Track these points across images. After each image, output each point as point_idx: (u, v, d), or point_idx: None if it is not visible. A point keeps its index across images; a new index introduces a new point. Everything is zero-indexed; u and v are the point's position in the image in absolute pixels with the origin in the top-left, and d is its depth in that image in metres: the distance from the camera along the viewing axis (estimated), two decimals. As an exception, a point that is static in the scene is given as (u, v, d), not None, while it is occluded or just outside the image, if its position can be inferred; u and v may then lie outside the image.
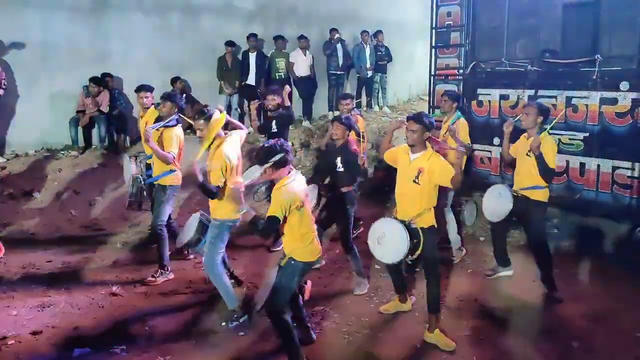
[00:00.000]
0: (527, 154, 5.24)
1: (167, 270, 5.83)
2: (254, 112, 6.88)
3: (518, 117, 5.53)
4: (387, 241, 4.51)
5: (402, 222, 4.44)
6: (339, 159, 5.53)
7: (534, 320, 5.05)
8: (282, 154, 3.92)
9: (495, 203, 5.55)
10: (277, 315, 4.00)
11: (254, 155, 4.02)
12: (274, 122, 6.66)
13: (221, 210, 4.82)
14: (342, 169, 5.53)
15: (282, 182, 3.97)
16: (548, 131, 5.23)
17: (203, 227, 4.96)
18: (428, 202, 4.46)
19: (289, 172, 4.01)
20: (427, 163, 4.37)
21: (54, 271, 6.03)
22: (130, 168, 6.06)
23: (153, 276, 5.74)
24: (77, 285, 5.68)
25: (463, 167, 4.70)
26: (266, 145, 4.02)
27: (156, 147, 5.52)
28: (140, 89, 6.25)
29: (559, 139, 6.47)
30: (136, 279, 5.83)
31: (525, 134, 5.40)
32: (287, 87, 7.30)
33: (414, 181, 4.39)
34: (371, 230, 4.65)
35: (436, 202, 4.55)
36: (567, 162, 6.76)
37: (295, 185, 3.99)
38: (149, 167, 6.02)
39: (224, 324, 4.81)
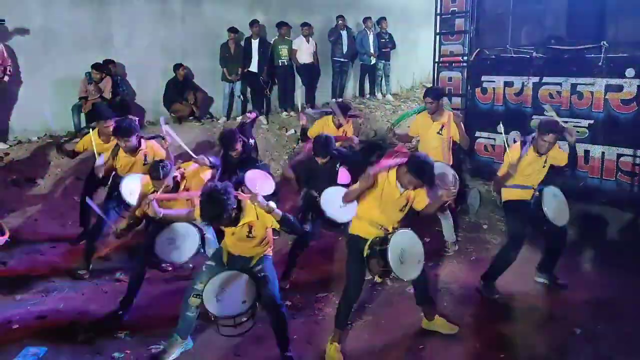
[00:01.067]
0: (543, 166, 5.13)
1: None
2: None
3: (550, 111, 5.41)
4: (410, 257, 4.16)
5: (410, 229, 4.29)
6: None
7: (536, 308, 5.06)
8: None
9: (557, 205, 5.12)
10: (280, 308, 4.06)
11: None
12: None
13: None
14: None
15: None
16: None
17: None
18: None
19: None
20: (412, 191, 4.19)
21: (57, 257, 6.04)
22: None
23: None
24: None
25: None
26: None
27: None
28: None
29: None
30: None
31: (534, 149, 5.08)
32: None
33: (401, 210, 4.31)
34: (390, 252, 4.04)
35: None
36: (572, 149, 6.74)
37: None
38: None
39: None
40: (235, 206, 3.86)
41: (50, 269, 5.71)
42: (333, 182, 5.37)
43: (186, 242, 4.63)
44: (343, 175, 5.52)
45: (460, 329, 4.58)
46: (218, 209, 3.73)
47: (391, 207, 4.23)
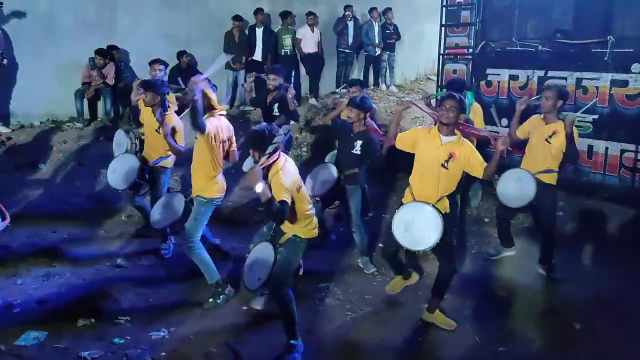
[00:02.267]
0: (546, 140, 5.10)
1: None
2: (249, 84, 6.79)
3: (537, 97, 5.39)
4: (418, 228, 4.23)
5: (434, 206, 4.24)
6: (358, 143, 5.40)
7: (536, 301, 5.07)
8: (275, 142, 3.83)
9: (515, 188, 5.25)
10: (282, 289, 4.01)
11: (248, 141, 3.87)
12: (276, 106, 6.50)
13: (209, 189, 4.80)
14: (359, 152, 5.41)
15: (276, 166, 3.87)
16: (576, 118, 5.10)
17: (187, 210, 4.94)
18: (450, 189, 4.34)
19: (279, 156, 3.92)
20: (460, 149, 4.24)
21: (59, 242, 6.04)
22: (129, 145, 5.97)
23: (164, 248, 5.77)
24: (82, 256, 5.70)
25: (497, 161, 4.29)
26: (257, 130, 3.92)
27: (174, 143, 5.30)
28: (153, 61, 6.18)
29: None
30: (141, 251, 5.84)
31: (541, 117, 5.23)
32: (292, 90, 6.83)
33: (443, 165, 4.24)
34: (397, 217, 4.33)
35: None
36: (575, 144, 6.72)
37: (290, 167, 3.97)
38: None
39: (210, 300, 4.78)
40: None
41: (52, 254, 5.71)
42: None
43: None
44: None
45: (460, 322, 4.59)
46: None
47: (431, 163, 4.25)
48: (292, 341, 4.06)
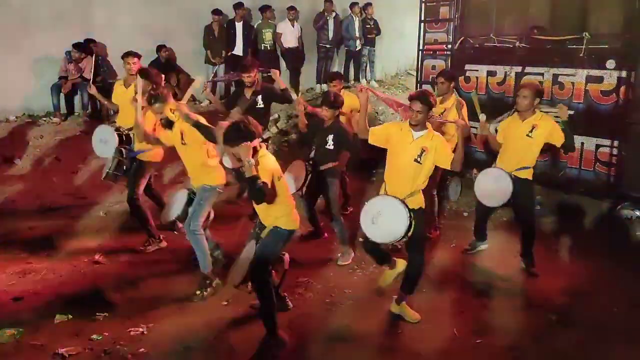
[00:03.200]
0: (527, 135, 5.15)
1: (158, 238, 5.84)
2: (208, 93, 6.79)
3: (508, 113, 5.46)
4: (384, 220, 4.26)
5: (402, 201, 4.25)
6: (330, 137, 5.50)
7: (514, 294, 5.13)
8: (250, 134, 3.88)
9: (493, 188, 5.31)
10: (262, 280, 4.04)
11: (224, 136, 3.95)
12: (259, 97, 6.43)
13: (211, 176, 4.94)
14: (332, 147, 5.50)
15: (259, 154, 3.96)
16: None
17: (191, 202, 4.98)
18: (423, 183, 4.38)
19: (259, 146, 4.00)
20: (431, 142, 4.29)
21: (35, 238, 5.98)
22: (114, 139, 5.90)
23: (144, 246, 5.75)
24: (59, 252, 5.66)
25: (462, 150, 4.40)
26: (233, 125, 3.94)
27: (150, 135, 5.34)
28: (128, 54, 6.15)
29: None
30: (119, 247, 5.80)
31: (516, 116, 5.30)
32: (275, 71, 6.69)
33: (416, 160, 4.27)
34: (365, 208, 4.36)
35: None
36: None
37: (269, 155, 4.08)
38: (124, 139, 5.89)
39: (198, 292, 4.81)
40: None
41: (28, 250, 5.64)
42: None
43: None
44: None
45: (438, 315, 4.64)
46: None
47: (404, 157, 4.30)
48: (271, 336, 4.09)
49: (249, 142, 3.83)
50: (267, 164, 3.96)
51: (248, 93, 6.33)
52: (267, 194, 3.85)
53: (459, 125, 4.45)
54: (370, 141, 4.50)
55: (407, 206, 4.21)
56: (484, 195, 5.45)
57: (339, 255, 5.68)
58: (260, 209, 4.14)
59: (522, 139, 5.21)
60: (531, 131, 5.15)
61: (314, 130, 5.74)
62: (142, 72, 5.70)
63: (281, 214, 4.12)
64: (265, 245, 4.11)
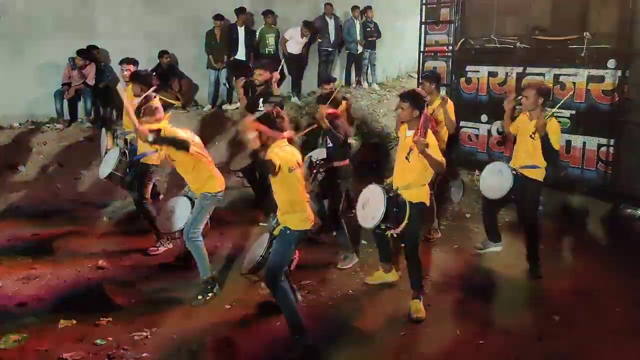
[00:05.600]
0: (530, 136, 5.15)
1: (167, 240, 5.88)
2: (240, 89, 6.77)
3: (520, 97, 5.44)
4: (369, 206, 4.69)
5: (385, 190, 4.61)
6: (327, 138, 5.65)
7: (516, 295, 5.13)
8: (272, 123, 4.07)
9: (495, 180, 5.44)
10: (276, 283, 4.07)
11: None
12: (260, 100, 6.47)
13: (210, 184, 4.91)
14: (331, 145, 5.62)
15: (278, 144, 4.08)
16: (553, 113, 5.10)
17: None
18: (418, 179, 4.53)
19: (283, 139, 4.12)
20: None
21: (39, 244, 6.00)
22: (119, 143, 5.98)
23: (155, 247, 5.81)
24: (63, 258, 5.67)
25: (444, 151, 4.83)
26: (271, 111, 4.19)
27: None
28: (121, 61, 6.26)
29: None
30: (122, 252, 5.82)
31: (527, 114, 5.27)
32: (276, 74, 6.82)
33: (406, 158, 4.52)
34: (360, 196, 4.86)
35: (428, 180, 4.64)
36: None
37: (289, 150, 4.14)
38: (127, 142, 6.02)
39: (199, 297, 4.81)
40: None
41: (32, 255, 5.67)
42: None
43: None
44: None
45: (441, 316, 4.65)
46: None
47: (400, 154, 4.65)
48: (297, 336, 4.11)
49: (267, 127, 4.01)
50: (280, 151, 4.02)
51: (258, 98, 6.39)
52: (272, 167, 3.93)
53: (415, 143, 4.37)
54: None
55: (386, 191, 4.58)
56: (486, 186, 5.55)
57: (341, 257, 5.68)
58: (279, 201, 4.21)
59: (528, 138, 5.21)
60: (534, 132, 5.13)
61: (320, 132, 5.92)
62: (133, 76, 5.81)
63: (291, 215, 4.16)
64: (276, 253, 4.16)
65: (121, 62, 6.35)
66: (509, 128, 5.53)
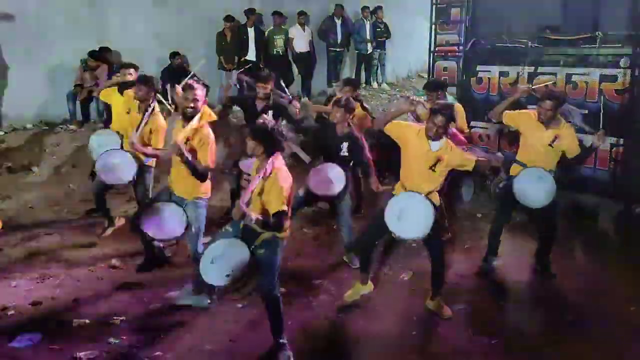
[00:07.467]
0: (550, 145, 5.07)
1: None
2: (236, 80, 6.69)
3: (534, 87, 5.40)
4: (409, 216, 4.38)
5: (425, 196, 4.40)
6: (345, 145, 5.41)
7: (528, 295, 5.12)
8: (281, 141, 3.87)
9: (537, 187, 5.05)
10: (274, 291, 4.02)
11: (251, 132, 3.85)
12: (270, 113, 6.26)
13: (203, 189, 4.75)
14: (346, 154, 5.43)
15: (278, 167, 3.87)
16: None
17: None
18: (438, 184, 4.56)
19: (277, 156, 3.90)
20: (449, 154, 4.41)
21: (53, 244, 6.05)
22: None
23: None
24: (76, 258, 5.71)
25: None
26: (269, 126, 3.87)
27: (146, 151, 5.35)
28: (123, 66, 6.42)
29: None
30: (135, 252, 5.84)
31: (533, 115, 5.14)
32: (296, 103, 6.61)
33: (431, 168, 4.43)
34: (390, 205, 4.46)
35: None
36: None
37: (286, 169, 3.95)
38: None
39: (213, 297, 4.73)
40: None
41: (46, 256, 5.73)
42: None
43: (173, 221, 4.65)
44: None
45: (454, 316, 4.65)
46: None
47: (419, 163, 4.45)
48: (280, 340, 4.09)
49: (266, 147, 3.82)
50: (280, 183, 3.77)
51: (259, 105, 6.23)
52: (281, 227, 3.83)
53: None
54: (386, 129, 4.58)
55: (431, 200, 4.37)
56: (529, 197, 5.10)
57: (343, 258, 5.69)
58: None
59: (545, 147, 5.11)
60: (553, 141, 5.07)
61: (323, 137, 5.71)
62: (141, 79, 5.64)
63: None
64: (271, 260, 3.96)
65: (122, 67, 6.38)
66: (503, 115, 5.31)
